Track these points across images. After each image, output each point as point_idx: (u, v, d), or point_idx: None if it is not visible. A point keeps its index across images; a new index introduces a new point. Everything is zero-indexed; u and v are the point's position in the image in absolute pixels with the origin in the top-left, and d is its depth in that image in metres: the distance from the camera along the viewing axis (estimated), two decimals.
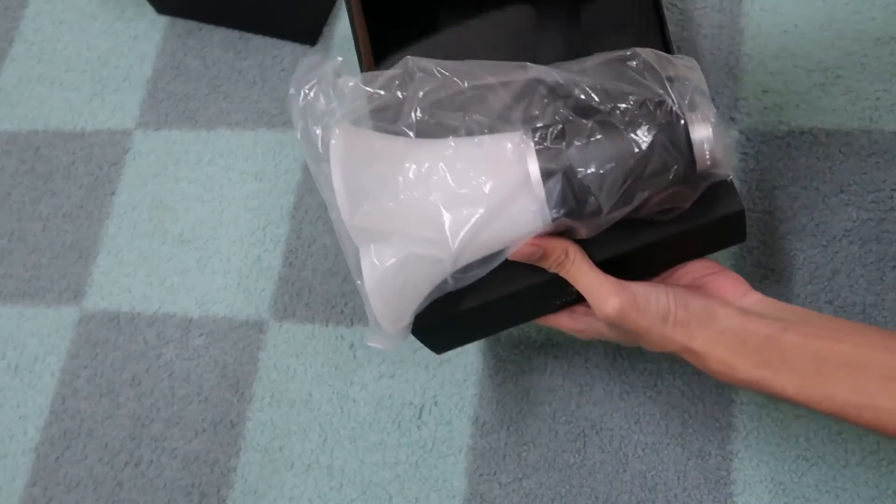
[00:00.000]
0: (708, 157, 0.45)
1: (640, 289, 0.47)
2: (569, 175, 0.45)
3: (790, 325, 0.46)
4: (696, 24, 0.74)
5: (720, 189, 0.49)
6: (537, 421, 0.65)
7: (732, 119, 0.70)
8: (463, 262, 0.48)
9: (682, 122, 0.45)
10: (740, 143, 0.69)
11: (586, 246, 0.48)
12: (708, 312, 0.47)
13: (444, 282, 0.49)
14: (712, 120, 0.44)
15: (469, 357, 0.68)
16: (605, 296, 0.47)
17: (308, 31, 0.83)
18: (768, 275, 0.65)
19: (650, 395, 0.64)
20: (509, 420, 0.66)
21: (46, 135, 0.87)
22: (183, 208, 0.80)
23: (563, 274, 0.48)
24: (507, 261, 0.49)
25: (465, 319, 0.52)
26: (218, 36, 0.87)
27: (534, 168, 0.45)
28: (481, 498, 0.64)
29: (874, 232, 0.64)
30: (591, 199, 0.45)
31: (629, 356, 0.65)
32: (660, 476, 0.62)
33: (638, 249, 0.50)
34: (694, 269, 0.52)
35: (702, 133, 0.44)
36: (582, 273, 0.48)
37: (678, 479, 0.61)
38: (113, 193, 0.83)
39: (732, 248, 0.66)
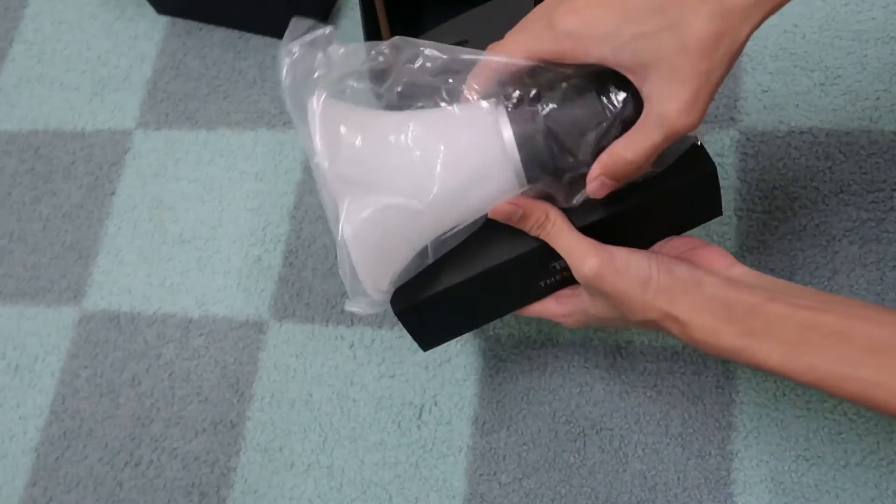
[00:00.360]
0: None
1: (620, 252, 0.47)
2: (543, 137, 0.46)
3: (777, 295, 0.45)
4: None
5: (693, 154, 0.49)
6: (537, 421, 0.65)
7: (732, 119, 0.70)
8: (443, 225, 0.48)
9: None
10: (740, 143, 0.69)
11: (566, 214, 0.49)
12: (694, 280, 0.47)
13: (425, 251, 0.49)
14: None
15: (469, 357, 0.68)
16: (584, 255, 0.47)
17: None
18: (768, 274, 0.65)
19: (650, 395, 0.64)
20: (509, 420, 0.66)
21: (46, 135, 0.87)
22: (183, 208, 0.80)
23: (543, 236, 0.49)
24: (488, 235, 0.50)
25: (451, 300, 0.52)
26: (218, 36, 0.87)
27: (507, 131, 0.46)
28: (481, 498, 0.64)
29: (874, 232, 0.64)
30: (569, 160, 0.46)
31: (629, 356, 0.65)
32: (660, 476, 0.62)
33: (616, 217, 0.50)
34: (679, 244, 0.52)
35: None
36: (562, 234, 0.48)
37: (678, 479, 0.61)
38: (113, 193, 0.83)
39: (732, 249, 0.66)
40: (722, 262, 0.49)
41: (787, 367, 0.44)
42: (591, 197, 0.47)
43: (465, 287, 0.51)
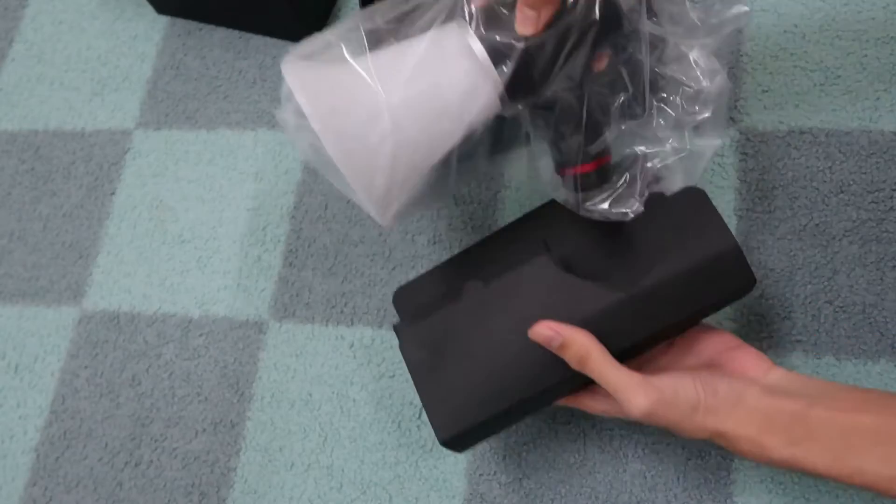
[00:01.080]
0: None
1: (666, 382, 0.47)
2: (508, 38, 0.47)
3: (816, 399, 0.46)
4: None
5: (734, 265, 0.49)
6: (537, 421, 0.65)
7: (732, 119, 0.70)
8: (424, 133, 0.48)
9: None
10: (740, 143, 0.69)
11: (601, 337, 0.49)
12: (736, 394, 0.47)
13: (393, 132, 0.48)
14: None
15: None
16: (633, 396, 0.46)
17: (308, 31, 0.83)
18: (768, 274, 0.65)
19: None
20: None
21: (46, 135, 0.87)
22: (183, 208, 0.80)
23: (586, 372, 0.48)
24: (532, 358, 0.50)
25: (493, 421, 0.52)
26: (218, 36, 0.87)
27: (474, 41, 0.47)
28: (481, 498, 0.64)
29: (874, 232, 0.64)
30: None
31: None
32: (660, 476, 0.62)
33: (650, 337, 0.50)
34: (713, 344, 0.52)
35: None
36: (606, 371, 0.48)
37: (678, 479, 0.61)
38: (113, 193, 0.83)
39: None
40: (759, 366, 0.49)
41: (835, 472, 0.44)
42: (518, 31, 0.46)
43: (509, 410, 0.52)
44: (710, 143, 0.51)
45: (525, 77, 0.48)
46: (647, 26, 0.47)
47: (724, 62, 0.48)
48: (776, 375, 0.49)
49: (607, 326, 0.49)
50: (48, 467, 0.73)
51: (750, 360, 0.50)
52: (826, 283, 0.64)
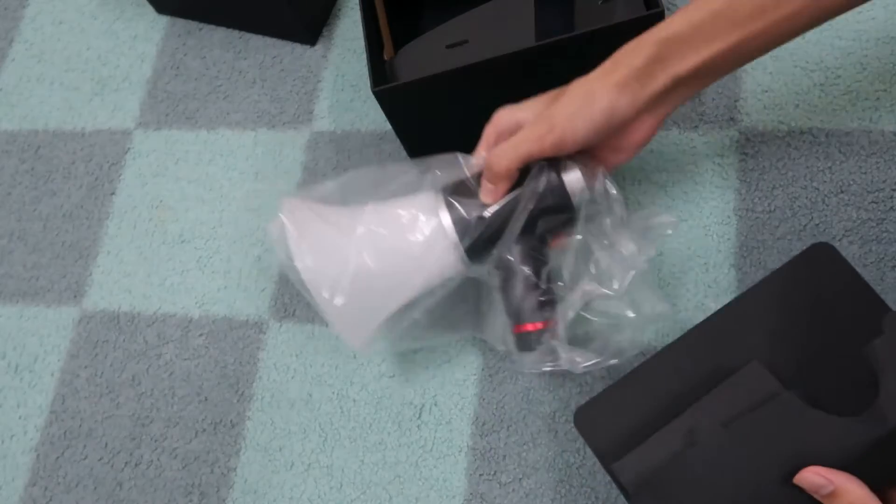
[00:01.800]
0: (578, 191, 0.55)
1: None
2: (476, 220, 0.55)
3: None
4: None
5: None
6: (537, 421, 0.65)
7: (732, 119, 0.70)
8: (395, 280, 0.55)
9: (554, 170, 0.55)
10: (740, 143, 0.69)
11: (861, 477, 0.46)
12: None
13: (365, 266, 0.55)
14: (578, 166, 0.56)
15: (469, 357, 0.68)
16: None
17: (308, 31, 0.83)
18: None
19: None
20: (509, 420, 0.66)
21: (46, 135, 0.87)
22: (183, 208, 0.80)
23: None
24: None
25: None
26: (218, 36, 0.87)
27: (444, 214, 0.55)
28: (481, 498, 0.64)
29: (874, 232, 0.64)
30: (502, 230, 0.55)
31: None
32: None
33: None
34: None
35: (571, 175, 0.55)
36: None
37: None
38: (113, 193, 0.83)
39: (732, 249, 0.66)
40: None
41: None
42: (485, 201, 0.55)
43: None
44: (653, 313, 0.56)
45: (482, 240, 0.55)
46: (584, 220, 0.56)
47: (644, 259, 0.56)
48: None
49: (868, 466, 0.46)
50: (48, 467, 0.73)
51: None
52: None
